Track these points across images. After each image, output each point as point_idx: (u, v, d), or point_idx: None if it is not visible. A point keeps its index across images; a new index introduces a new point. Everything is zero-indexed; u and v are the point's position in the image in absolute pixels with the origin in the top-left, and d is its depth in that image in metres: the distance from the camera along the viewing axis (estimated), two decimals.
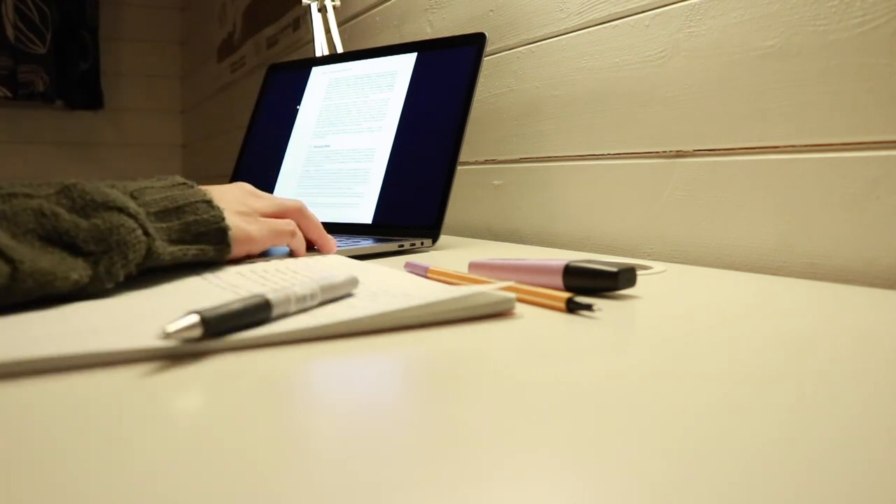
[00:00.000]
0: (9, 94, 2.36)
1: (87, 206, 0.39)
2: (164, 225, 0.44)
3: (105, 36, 2.57)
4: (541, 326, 0.36)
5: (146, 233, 0.41)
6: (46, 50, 2.41)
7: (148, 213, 0.43)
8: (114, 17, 2.61)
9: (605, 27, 0.77)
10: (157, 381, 0.26)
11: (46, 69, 2.41)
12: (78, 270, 0.37)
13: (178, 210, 0.46)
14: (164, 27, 2.71)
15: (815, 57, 0.56)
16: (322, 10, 1.17)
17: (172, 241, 0.45)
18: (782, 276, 0.57)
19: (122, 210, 0.40)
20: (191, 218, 0.46)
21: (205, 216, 0.47)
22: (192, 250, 0.46)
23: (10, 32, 2.34)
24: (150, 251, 0.42)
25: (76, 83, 2.47)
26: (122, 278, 0.40)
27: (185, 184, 0.48)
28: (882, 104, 0.52)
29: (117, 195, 0.41)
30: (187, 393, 0.25)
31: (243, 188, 0.55)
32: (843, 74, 0.54)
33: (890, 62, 0.51)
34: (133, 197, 0.43)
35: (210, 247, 0.47)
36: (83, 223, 0.38)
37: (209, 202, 0.47)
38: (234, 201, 0.52)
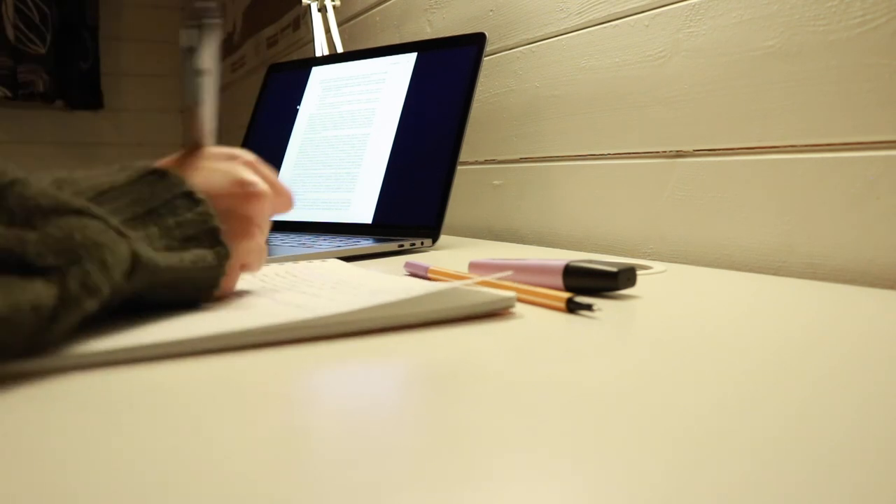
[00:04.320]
0: (9, 94, 2.36)
1: (32, 214, 0.28)
2: (139, 233, 0.33)
3: (105, 36, 2.57)
4: (541, 326, 0.36)
5: (121, 233, 0.30)
6: (46, 50, 2.41)
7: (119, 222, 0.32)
8: (114, 17, 2.61)
9: (605, 27, 0.77)
10: (156, 378, 0.26)
11: (46, 69, 2.41)
12: (35, 292, 0.26)
13: (151, 213, 0.34)
14: (164, 27, 2.71)
15: (815, 57, 0.56)
16: (322, 10, 1.17)
17: (157, 248, 0.33)
18: (782, 276, 0.57)
19: (81, 212, 0.29)
20: (170, 220, 0.35)
21: (188, 215, 0.35)
22: (187, 256, 0.34)
23: (10, 32, 2.34)
24: (136, 257, 0.30)
25: (76, 83, 2.47)
26: (107, 293, 0.28)
27: (154, 173, 0.36)
28: (882, 104, 0.52)
29: (71, 198, 0.30)
30: (187, 393, 0.25)
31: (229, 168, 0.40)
32: (843, 74, 0.54)
33: (890, 62, 0.51)
34: (93, 203, 0.32)
35: (207, 251, 0.36)
36: (30, 235, 0.27)
37: (189, 195, 0.36)
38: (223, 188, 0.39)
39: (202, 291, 0.37)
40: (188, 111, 0.40)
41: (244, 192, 0.39)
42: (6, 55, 2.34)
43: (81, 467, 0.18)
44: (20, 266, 0.26)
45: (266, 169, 0.42)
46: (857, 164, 0.54)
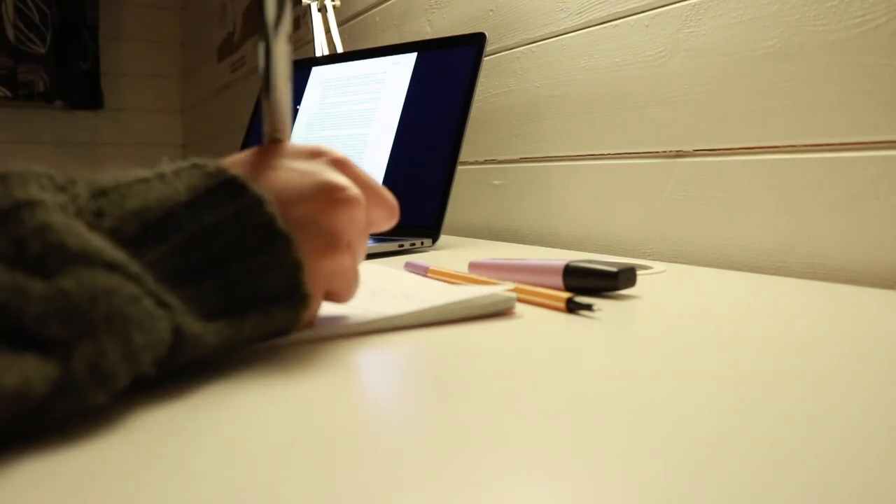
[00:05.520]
0: (9, 94, 2.36)
1: (49, 255, 0.20)
2: (190, 289, 0.25)
3: (105, 36, 2.57)
4: (541, 326, 0.36)
5: (162, 303, 0.23)
6: (46, 50, 2.41)
7: (158, 277, 0.24)
8: (114, 17, 2.61)
9: (605, 27, 0.77)
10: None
11: (46, 69, 2.41)
12: (20, 373, 0.19)
13: (212, 261, 0.26)
14: (164, 27, 2.71)
15: (815, 57, 0.56)
16: (322, 10, 1.17)
17: (209, 314, 0.25)
18: (782, 276, 0.57)
19: (114, 268, 0.22)
20: (235, 266, 0.26)
21: (263, 258, 0.27)
22: (248, 324, 0.27)
23: (10, 32, 2.34)
24: (178, 335, 0.23)
25: (76, 83, 2.48)
26: (124, 384, 0.21)
27: (227, 185, 0.27)
28: (882, 104, 0.52)
29: (102, 245, 0.22)
30: (190, 389, 0.25)
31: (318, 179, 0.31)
32: (843, 74, 0.54)
33: (890, 62, 0.51)
34: (136, 244, 0.24)
35: (278, 308, 0.28)
36: (36, 287, 0.20)
37: (269, 228, 0.27)
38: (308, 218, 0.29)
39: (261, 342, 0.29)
40: (264, 100, 0.33)
41: (329, 199, 0.30)
42: (6, 55, 2.34)
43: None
44: (12, 330, 0.19)
45: (360, 170, 0.33)
46: (857, 164, 0.54)
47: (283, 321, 0.28)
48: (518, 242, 0.89)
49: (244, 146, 1.06)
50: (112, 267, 0.22)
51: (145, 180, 0.26)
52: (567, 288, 0.43)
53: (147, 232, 0.24)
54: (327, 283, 0.31)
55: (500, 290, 0.38)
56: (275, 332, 0.29)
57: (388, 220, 0.35)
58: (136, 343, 0.21)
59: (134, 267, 0.23)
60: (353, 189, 0.31)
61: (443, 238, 0.79)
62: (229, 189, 0.26)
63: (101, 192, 0.25)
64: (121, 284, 0.22)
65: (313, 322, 0.32)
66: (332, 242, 0.30)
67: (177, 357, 0.24)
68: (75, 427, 0.21)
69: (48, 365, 0.19)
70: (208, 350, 0.25)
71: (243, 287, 0.26)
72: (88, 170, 0.26)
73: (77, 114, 2.56)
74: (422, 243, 0.73)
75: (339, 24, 1.23)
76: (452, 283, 0.46)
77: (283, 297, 0.27)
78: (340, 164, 0.32)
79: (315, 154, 0.32)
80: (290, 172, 0.30)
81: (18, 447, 0.19)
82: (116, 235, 0.24)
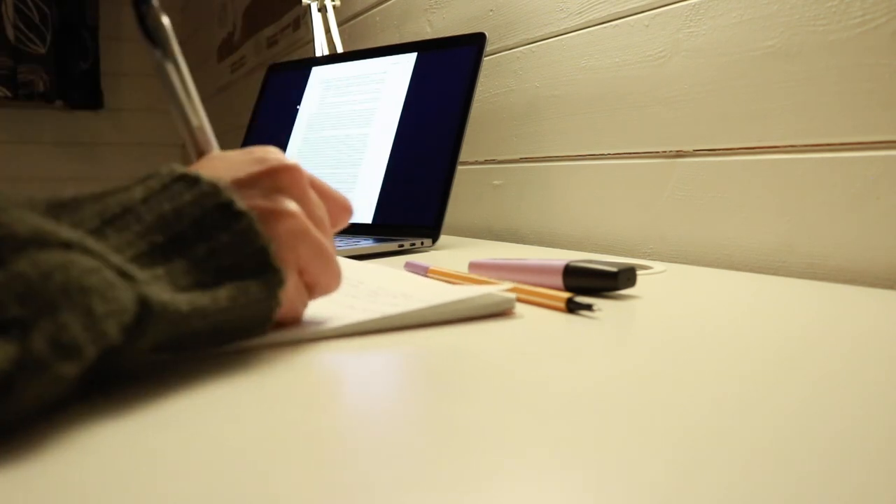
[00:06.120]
0: (9, 94, 2.36)
1: (2, 245, 0.21)
2: (157, 270, 0.25)
3: (105, 36, 2.57)
4: (541, 326, 0.36)
5: (124, 274, 0.23)
6: (46, 50, 2.41)
7: (126, 259, 0.24)
8: (114, 17, 2.61)
9: (605, 27, 0.77)
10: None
11: (46, 69, 2.41)
12: None
13: (174, 241, 0.26)
14: None
15: (815, 57, 0.56)
16: (322, 9, 1.17)
17: (182, 287, 0.26)
18: (782, 276, 0.57)
19: (69, 246, 0.22)
20: (201, 247, 0.27)
21: (223, 237, 0.27)
22: (222, 294, 0.26)
23: (10, 32, 2.34)
24: (145, 303, 0.23)
25: (76, 83, 2.48)
26: (92, 354, 0.21)
27: (181, 179, 0.28)
28: (882, 104, 0.52)
29: (58, 227, 0.23)
30: (185, 391, 0.25)
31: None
32: (843, 74, 0.54)
33: (890, 62, 0.51)
34: (97, 235, 0.25)
35: (250, 281, 0.28)
36: None
37: (226, 207, 0.28)
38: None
39: (250, 332, 0.29)
40: (178, 124, 0.34)
41: (264, 163, 0.31)
42: (6, 55, 2.34)
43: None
44: None
45: (306, 172, 0.33)
46: (857, 164, 0.54)
47: (257, 294, 0.28)
48: (518, 242, 0.89)
49: (244, 146, 1.06)
50: (68, 245, 0.22)
51: (101, 194, 0.27)
52: (567, 288, 0.43)
53: (106, 225, 0.25)
54: (294, 253, 0.30)
55: (500, 290, 0.38)
56: (254, 310, 0.28)
57: (343, 214, 0.36)
58: (96, 312, 0.21)
59: (91, 243, 0.23)
60: (287, 158, 0.32)
61: (443, 238, 0.79)
62: (184, 182, 0.28)
63: (58, 204, 0.25)
64: (77, 258, 0.22)
65: (299, 315, 0.33)
66: (279, 202, 0.30)
67: (148, 327, 0.23)
68: (43, 433, 0.21)
69: (8, 344, 0.19)
70: (180, 320, 0.24)
71: (212, 264, 0.27)
72: (88, 169, 0.26)
73: (77, 114, 2.56)
74: (422, 243, 0.73)
75: (339, 24, 1.23)
76: (452, 283, 0.46)
77: (253, 270, 0.28)
78: (288, 170, 0.32)
79: (248, 153, 0.32)
80: (228, 158, 0.32)
81: None
82: (76, 222, 0.24)
